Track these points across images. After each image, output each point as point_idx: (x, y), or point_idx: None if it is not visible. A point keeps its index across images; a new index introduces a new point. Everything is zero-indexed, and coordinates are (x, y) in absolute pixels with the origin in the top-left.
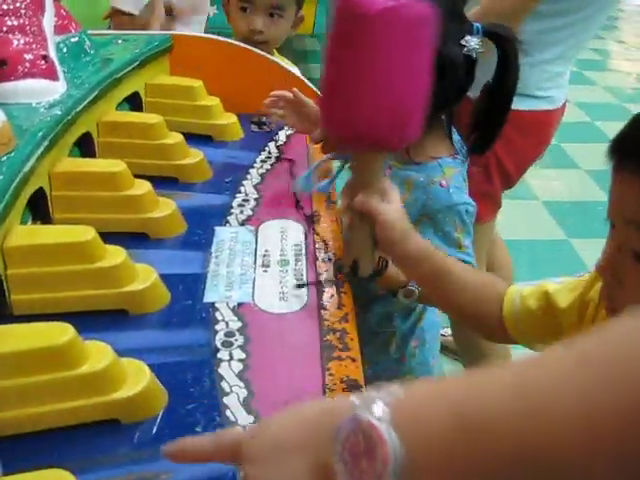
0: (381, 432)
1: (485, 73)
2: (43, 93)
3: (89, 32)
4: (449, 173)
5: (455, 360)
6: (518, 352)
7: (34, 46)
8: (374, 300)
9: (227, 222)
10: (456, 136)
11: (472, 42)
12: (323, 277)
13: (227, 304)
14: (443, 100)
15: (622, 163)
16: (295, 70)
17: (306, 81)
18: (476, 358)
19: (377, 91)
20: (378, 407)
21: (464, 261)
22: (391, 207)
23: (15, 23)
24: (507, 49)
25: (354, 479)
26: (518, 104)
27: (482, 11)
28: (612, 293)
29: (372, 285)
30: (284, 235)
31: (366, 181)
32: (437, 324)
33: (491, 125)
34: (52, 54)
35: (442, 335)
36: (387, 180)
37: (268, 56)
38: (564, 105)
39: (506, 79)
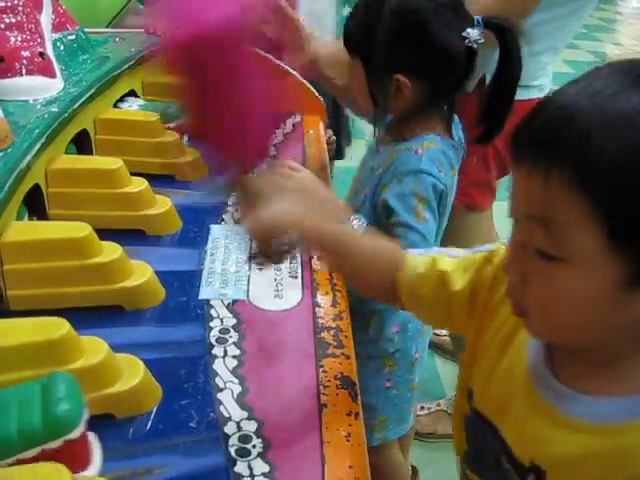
0: None
1: (480, 65)
2: (40, 90)
3: (86, 30)
4: (428, 145)
5: (451, 360)
6: None
7: (31, 43)
8: None
9: (222, 220)
10: (459, 132)
11: (473, 34)
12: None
13: (222, 301)
14: (443, 89)
15: (520, 157)
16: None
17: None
18: None
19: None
20: None
21: (418, 231)
22: (264, 213)
23: (13, 20)
24: (509, 40)
25: None
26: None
27: (488, 11)
28: (518, 292)
29: None
30: None
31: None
32: None
33: (496, 115)
34: (49, 51)
35: (436, 335)
36: (267, 184)
37: (270, 56)
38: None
39: (509, 70)
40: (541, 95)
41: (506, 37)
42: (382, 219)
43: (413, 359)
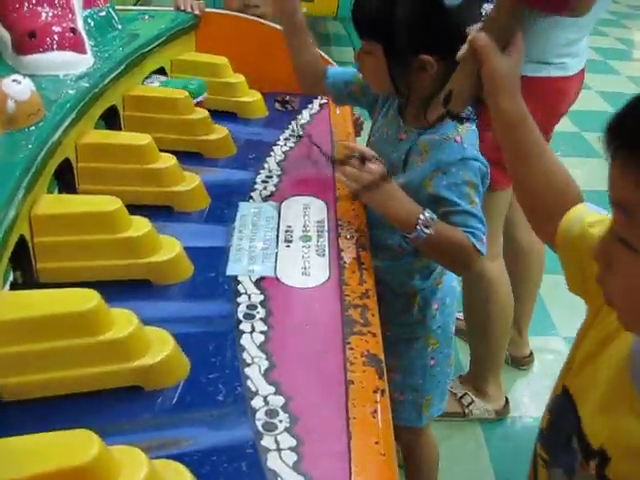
0: None
1: None
2: (71, 65)
3: (116, 7)
4: (463, 130)
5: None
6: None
7: (62, 19)
8: (395, 257)
9: (250, 197)
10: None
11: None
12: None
13: (249, 277)
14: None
15: (614, 149)
16: None
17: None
18: (482, 341)
19: None
20: None
21: (475, 216)
22: (505, 59)
23: None
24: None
25: None
26: (532, 71)
27: None
28: (604, 277)
29: (394, 242)
30: (307, 211)
31: (494, 27)
32: (456, 290)
33: None
34: (80, 27)
35: (456, 318)
36: (518, 38)
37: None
38: (581, 74)
39: None
40: (565, 75)
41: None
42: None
43: (451, 333)
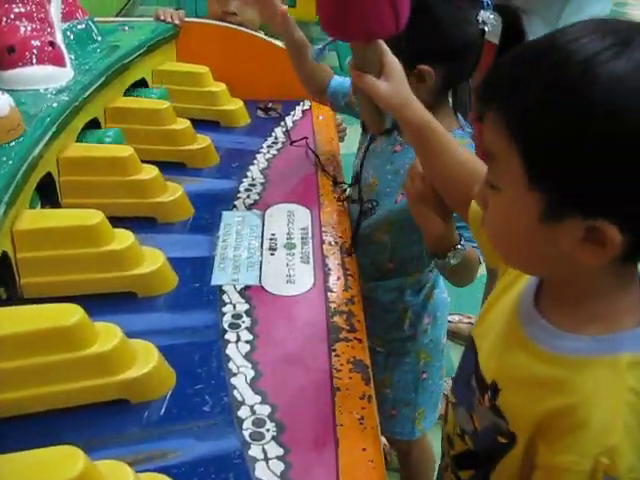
0: None
1: None
2: (51, 79)
3: (95, 19)
4: (462, 144)
5: (462, 346)
6: None
7: (41, 33)
8: (386, 276)
9: (234, 206)
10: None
11: (490, 17)
12: None
13: (234, 287)
14: (458, 78)
15: (484, 104)
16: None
17: None
18: None
19: None
20: None
21: None
22: (383, 83)
23: (22, 10)
24: (515, 18)
25: None
26: None
27: None
28: (483, 217)
29: (384, 260)
30: (291, 219)
31: (362, 64)
32: (446, 301)
33: None
34: (59, 41)
35: (449, 321)
36: (388, 60)
37: (275, 42)
38: None
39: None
40: None
41: (512, 15)
42: None
43: (442, 345)
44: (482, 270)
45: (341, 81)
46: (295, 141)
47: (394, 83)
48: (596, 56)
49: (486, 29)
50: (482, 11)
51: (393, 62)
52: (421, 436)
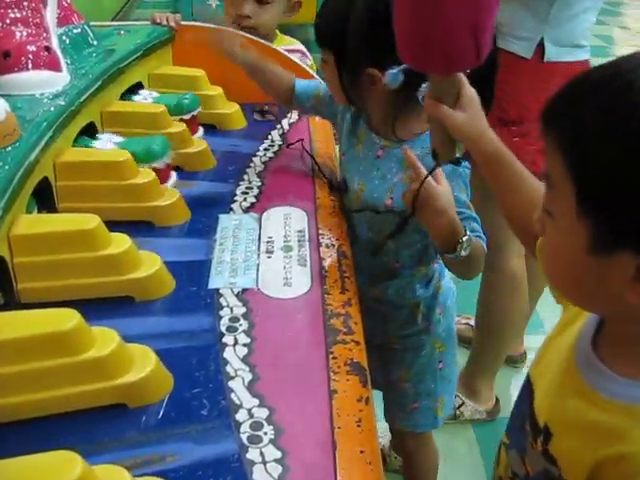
0: None
1: None
2: (47, 84)
3: (91, 23)
4: None
5: (464, 348)
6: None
7: (37, 38)
8: (393, 274)
9: (231, 210)
10: None
11: None
12: None
13: (231, 290)
14: (422, 80)
15: (546, 129)
16: (299, 46)
17: (309, 70)
18: (492, 338)
19: (424, 25)
20: None
21: (474, 219)
22: (459, 114)
23: (18, 15)
24: None
25: None
26: (568, 56)
27: None
28: (538, 243)
29: (390, 261)
30: (288, 222)
31: (439, 94)
32: (453, 289)
33: (481, 91)
34: (55, 45)
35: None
36: (466, 91)
37: (271, 45)
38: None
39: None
40: (588, 57)
41: None
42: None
43: (454, 331)
44: None
45: (305, 84)
46: (292, 144)
47: (471, 114)
48: None
49: None
50: None
51: (471, 92)
52: (430, 435)
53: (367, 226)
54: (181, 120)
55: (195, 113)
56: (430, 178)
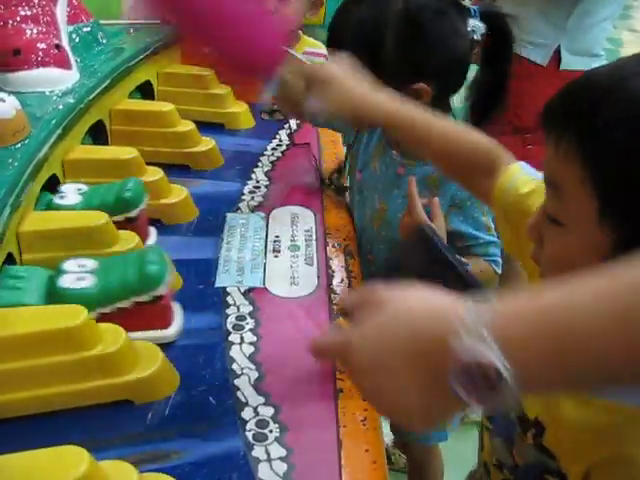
0: (494, 360)
1: None
2: (56, 82)
3: (100, 22)
4: None
5: None
6: None
7: (47, 35)
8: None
9: (238, 209)
10: None
11: (479, 26)
12: None
13: (238, 288)
14: (453, 90)
15: (545, 128)
16: (323, 50)
17: None
18: None
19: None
20: (485, 332)
21: (494, 243)
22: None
23: (28, 13)
24: (503, 25)
25: (468, 396)
26: (584, 65)
27: None
28: (538, 254)
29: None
30: (295, 221)
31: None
32: None
33: (494, 97)
34: (65, 43)
35: None
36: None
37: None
38: None
39: (505, 53)
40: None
41: (500, 22)
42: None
43: None
44: None
45: None
46: (298, 144)
47: (335, 91)
48: None
49: (475, 37)
50: (470, 20)
51: (328, 70)
52: (434, 446)
53: (386, 247)
54: (126, 220)
55: (143, 207)
56: (425, 216)
